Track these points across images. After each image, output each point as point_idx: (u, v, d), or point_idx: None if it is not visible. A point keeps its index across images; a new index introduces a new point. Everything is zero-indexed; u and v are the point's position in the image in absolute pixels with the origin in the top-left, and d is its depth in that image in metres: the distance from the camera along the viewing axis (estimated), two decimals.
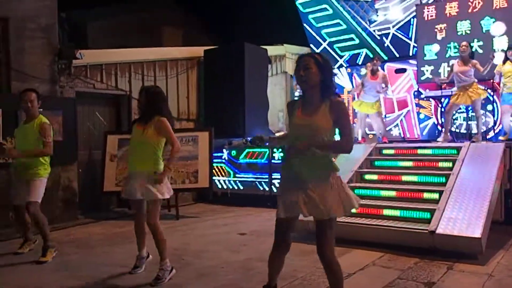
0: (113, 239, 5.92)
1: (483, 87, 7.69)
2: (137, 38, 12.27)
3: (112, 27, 12.72)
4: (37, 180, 4.78)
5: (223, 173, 8.87)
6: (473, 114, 7.56)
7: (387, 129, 9.72)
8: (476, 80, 7.33)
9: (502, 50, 7.96)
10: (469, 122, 8.31)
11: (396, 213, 5.42)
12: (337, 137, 2.86)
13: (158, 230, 4.01)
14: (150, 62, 8.89)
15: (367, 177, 6.50)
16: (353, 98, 8.46)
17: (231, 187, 8.79)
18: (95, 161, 7.93)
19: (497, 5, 8.50)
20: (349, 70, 11.04)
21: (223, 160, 8.89)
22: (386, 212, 5.48)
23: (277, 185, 7.74)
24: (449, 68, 7.86)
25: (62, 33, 7.37)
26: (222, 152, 8.89)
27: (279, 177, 7.75)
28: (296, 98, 3.00)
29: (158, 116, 4.04)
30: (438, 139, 7.63)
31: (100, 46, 9.38)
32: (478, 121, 7.42)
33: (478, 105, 7.32)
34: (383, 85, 7.98)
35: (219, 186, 8.89)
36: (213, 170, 8.12)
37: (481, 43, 8.65)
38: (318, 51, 11.61)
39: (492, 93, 8.58)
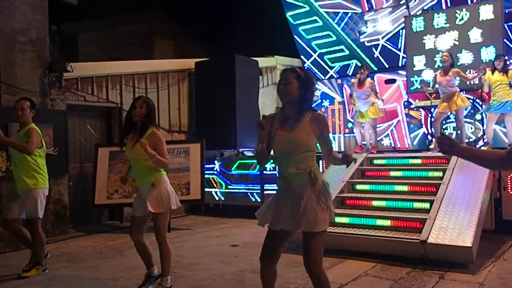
0: (105, 252, 5.87)
1: (471, 96, 7.84)
2: (128, 51, 12.31)
3: (103, 39, 12.74)
4: (34, 191, 4.65)
5: (215, 185, 8.86)
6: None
7: (378, 139, 9.78)
8: (458, 90, 7.45)
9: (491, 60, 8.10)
10: (459, 132, 8.41)
11: (388, 223, 5.44)
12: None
13: (166, 245, 3.94)
14: (141, 74, 8.90)
15: (359, 187, 6.53)
16: (349, 111, 8.49)
17: (223, 199, 8.77)
18: (86, 174, 7.88)
19: (483, 17, 8.67)
20: (339, 81, 11.15)
21: (215, 172, 8.88)
22: (378, 222, 5.50)
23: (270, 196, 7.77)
24: (432, 79, 7.99)
25: (53, 46, 7.38)
26: (214, 164, 8.88)
27: (271, 188, 7.81)
28: (274, 112, 3.01)
29: (152, 128, 3.91)
30: (430, 147, 7.70)
31: (91, 58, 9.39)
32: (461, 130, 7.52)
33: (461, 114, 7.44)
34: (372, 92, 8.00)
35: (211, 197, 8.86)
36: (205, 182, 8.10)
37: (469, 53, 8.79)
38: (308, 62, 11.73)
39: (480, 103, 8.71)
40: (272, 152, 2.97)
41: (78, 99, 7.78)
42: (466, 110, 8.47)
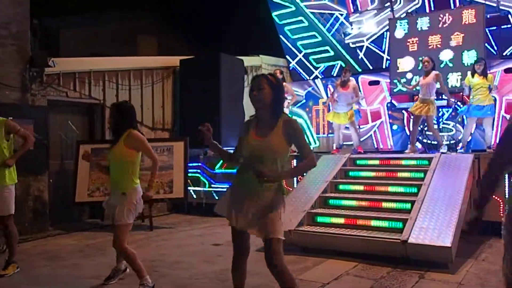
0: (85, 251, 5.79)
1: (452, 99, 8.01)
2: (112, 47, 12.18)
3: (86, 35, 12.59)
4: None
5: (198, 183, 8.82)
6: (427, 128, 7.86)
7: (361, 139, 9.87)
8: (434, 97, 7.59)
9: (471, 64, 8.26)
10: (441, 134, 8.56)
11: (370, 223, 5.50)
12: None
13: (128, 254, 3.88)
14: (124, 71, 8.80)
15: (342, 187, 6.58)
16: (328, 110, 8.54)
17: (206, 197, 8.74)
18: (67, 171, 7.76)
19: (466, 21, 8.81)
20: (324, 81, 11.20)
21: (199, 170, 8.84)
22: (360, 222, 5.55)
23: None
24: (415, 82, 8.09)
25: (34, 41, 7.24)
26: (198, 162, 8.84)
27: None
28: (250, 118, 3.04)
29: (129, 130, 3.92)
30: (405, 151, 7.77)
31: (73, 54, 9.26)
32: (435, 135, 7.66)
33: (431, 121, 7.60)
34: (354, 96, 8.06)
35: (194, 196, 8.82)
36: (188, 180, 8.06)
37: (451, 56, 8.93)
38: (293, 62, 11.78)
39: (461, 105, 8.85)
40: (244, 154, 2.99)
41: (59, 95, 7.67)
42: (447, 112, 8.68)
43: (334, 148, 8.41)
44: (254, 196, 2.82)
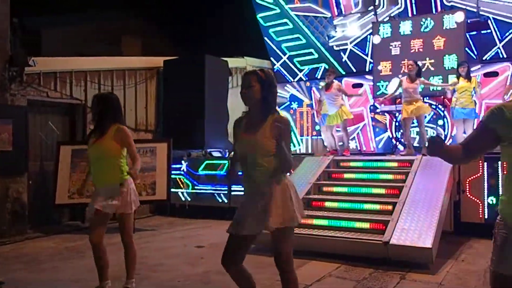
0: (65, 254, 5.69)
1: (433, 102, 8.10)
2: (95, 47, 12.02)
3: (68, 34, 12.41)
4: None
5: (181, 185, 8.76)
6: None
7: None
8: (421, 97, 7.67)
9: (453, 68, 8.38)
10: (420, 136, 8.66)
11: (352, 224, 5.53)
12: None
13: (133, 246, 3.83)
14: (107, 71, 8.70)
15: (325, 189, 6.60)
16: (317, 113, 8.52)
17: (189, 199, 8.68)
18: (47, 172, 7.62)
19: (447, 26, 8.96)
20: (308, 84, 11.25)
21: (182, 172, 8.77)
22: (343, 223, 5.58)
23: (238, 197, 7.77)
24: (397, 84, 8.13)
25: (14, 39, 7.10)
26: (181, 164, 8.78)
27: (238, 189, 7.79)
28: (242, 115, 3.00)
29: (117, 125, 3.74)
30: (401, 153, 7.78)
31: (55, 53, 9.10)
32: (423, 134, 7.73)
33: (423, 120, 7.66)
34: (340, 94, 8.05)
35: (178, 198, 8.75)
36: (172, 182, 7.99)
37: (432, 60, 9.06)
38: (278, 64, 11.80)
39: (443, 109, 9.00)
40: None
41: (40, 94, 7.53)
42: (428, 116, 8.79)
43: (328, 150, 8.32)
44: (256, 192, 2.78)
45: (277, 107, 2.90)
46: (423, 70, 8.77)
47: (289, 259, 2.78)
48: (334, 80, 8.04)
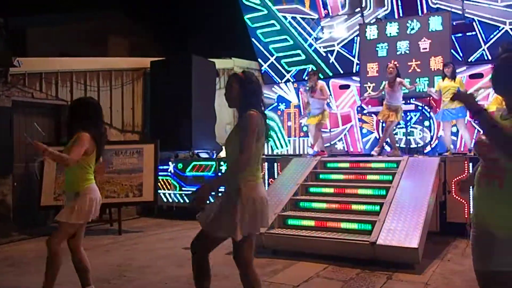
0: None
1: (420, 104, 8.18)
2: (82, 47, 11.90)
3: (54, 34, 12.26)
4: None
5: (168, 187, 8.71)
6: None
7: (332, 142, 9.98)
8: (402, 104, 7.76)
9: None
10: (408, 137, 8.76)
11: (340, 225, 5.55)
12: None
13: (55, 255, 3.68)
14: (93, 72, 8.62)
15: (312, 190, 6.62)
16: (299, 115, 8.56)
17: (176, 201, 8.64)
18: (32, 174, 7.51)
19: (433, 28, 9.06)
20: (295, 85, 11.28)
21: (169, 173, 8.73)
22: (330, 224, 5.60)
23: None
24: (382, 87, 8.21)
25: None
26: (168, 165, 8.73)
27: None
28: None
29: (79, 133, 3.52)
30: (388, 154, 7.86)
31: (40, 54, 9.00)
32: (384, 139, 7.83)
33: (388, 125, 7.74)
34: (325, 100, 8.10)
35: (165, 199, 8.70)
36: (159, 183, 7.94)
37: (419, 62, 9.16)
38: (265, 65, 11.82)
39: (428, 110, 9.09)
40: None
41: (24, 95, 7.44)
42: (415, 116, 8.89)
43: (318, 150, 8.32)
44: (226, 193, 2.87)
45: (262, 107, 2.89)
46: (409, 71, 8.90)
47: (249, 262, 2.83)
48: (318, 82, 8.05)
